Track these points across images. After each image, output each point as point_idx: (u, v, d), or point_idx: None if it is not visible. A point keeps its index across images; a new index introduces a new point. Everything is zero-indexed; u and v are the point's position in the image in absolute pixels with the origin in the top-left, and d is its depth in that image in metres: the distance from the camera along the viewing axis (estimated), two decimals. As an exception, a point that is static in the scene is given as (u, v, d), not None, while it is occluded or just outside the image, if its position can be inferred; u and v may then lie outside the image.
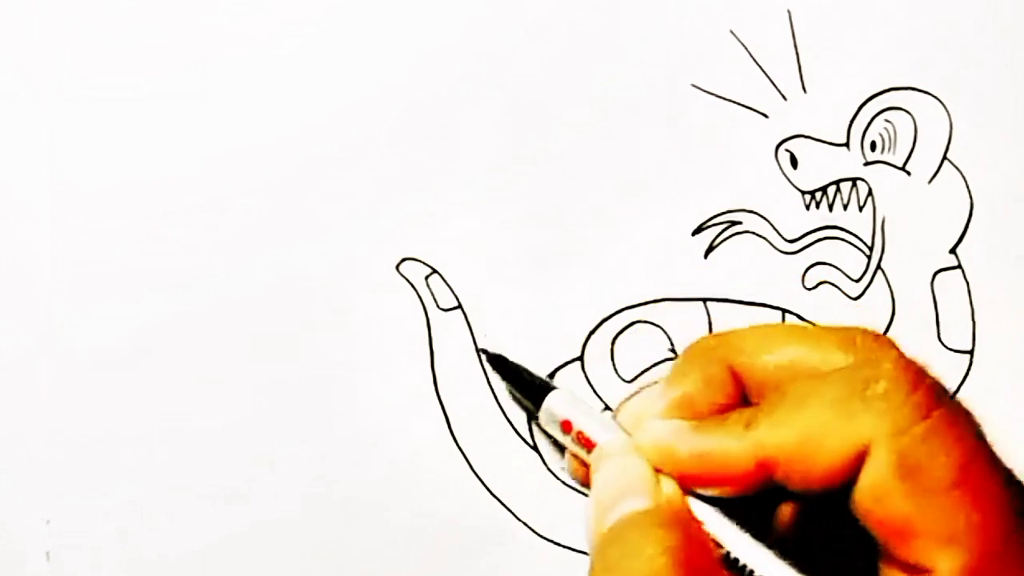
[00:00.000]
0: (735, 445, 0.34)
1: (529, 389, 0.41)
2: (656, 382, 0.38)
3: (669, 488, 0.34)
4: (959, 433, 0.32)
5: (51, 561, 0.42)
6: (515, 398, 0.43)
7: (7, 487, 0.42)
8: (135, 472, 0.42)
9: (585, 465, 0.38)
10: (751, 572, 0.33)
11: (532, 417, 0.41)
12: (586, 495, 0.43)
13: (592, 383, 0.44)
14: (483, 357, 0.43)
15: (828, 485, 0.33)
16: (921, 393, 0.33)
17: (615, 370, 0.44)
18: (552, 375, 0.44)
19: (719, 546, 0.34)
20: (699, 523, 0.34)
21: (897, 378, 0.33)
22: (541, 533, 0.43)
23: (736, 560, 0.33)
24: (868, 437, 0.32)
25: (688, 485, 0.34)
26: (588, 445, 0.38)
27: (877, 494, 0.32)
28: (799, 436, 0.33)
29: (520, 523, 0.43)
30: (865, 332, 0.35)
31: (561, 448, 0.41)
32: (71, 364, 0.42)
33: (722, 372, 0.36)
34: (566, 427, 0.39)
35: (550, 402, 0.40)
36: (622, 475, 0.35)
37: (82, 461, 0.42)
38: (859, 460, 0.32)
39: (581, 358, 0.44)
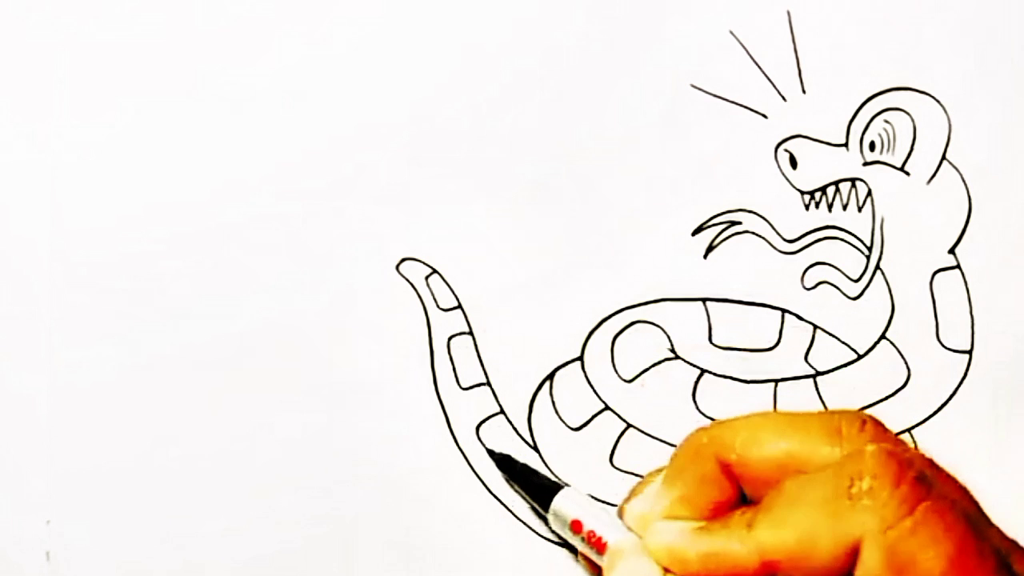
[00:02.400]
0: (739, 547, 0.35)
1: (537, 490, 0.42)
2: (653, 480, 0.40)
3: None
4: (948, 523, 0.33)
5: (51, 561, 0.42)
6: (522, 497, 0.43)
7: (7, 487, 0.42)
8: (135, 472, 0.42)
9: (593, 564, 0.40)
10: None
11: (540, 515, 0.43)
12: (593, 498, 0.43)
13: (592, 383, 0.44)
14: (492, 458, 0.43)
15: None
16: (906, 486, 0.34)
17: (615, 370, 0.44)
18: (552, 375, 0.44)
19: None
20: None
21: (880, 473, 0.34)
22: (541, 533, 0.43)
23: None
24: (857, 534, 0.33)
25: None
26: (598, 545, 0.39)
27: None
28: (795, 537, 0.34)
29: (520, 523, 0.43)
30: (850, 421, 0.36)
31: (570, 546, 0.42)
32: (71, 364, 0.42)
33: (715, 469, 0.38)
34: (576, 527, 0.40)
35: (559, 503, 0.41)
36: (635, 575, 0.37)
37: (82, 461, 0.42)
38: (852, 557, 0.33)
39: (581, 358, 0.44)
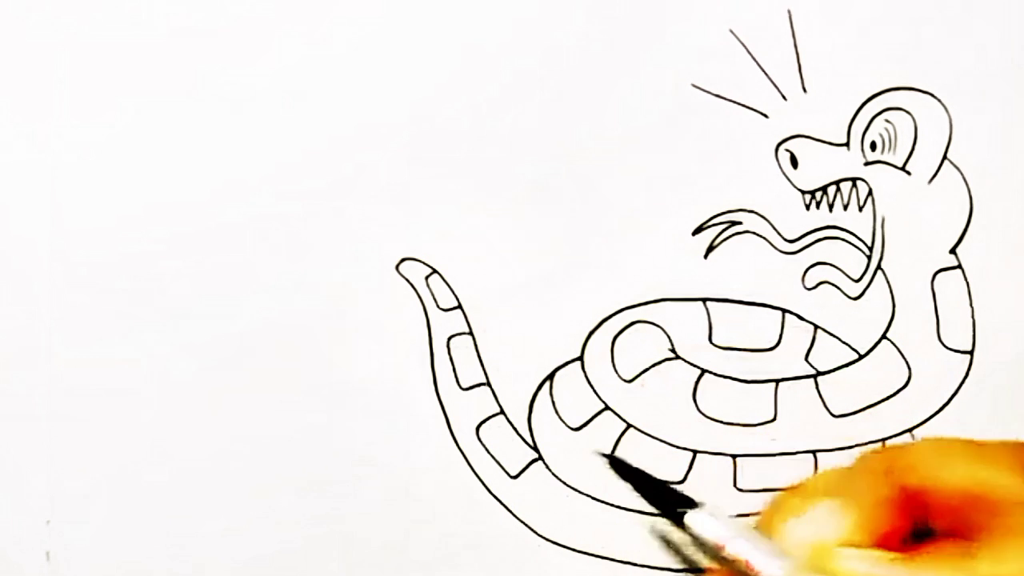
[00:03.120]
0: None
1: (659, 499, 0.39)
2: (809, 502, 0.36)
3: None
4: None
5: (51, 561, 0.42)
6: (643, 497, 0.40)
7: (7, 487, 0.42)
8: (135, 472, 0.42)
9: None
10: None
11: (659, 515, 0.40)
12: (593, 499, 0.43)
13: (592, 383, 0.44)
14: (606, 462, 0.41)
15: None
16: None
17: (615, 370, 0.44)
18: (552, 375, 0.44)
19: None
20: None
21: None
22: (541, 533, 0.43)
23: None
24: None
25: None
26: (749, 570, 0.35)
27: None
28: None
29: (520, 523, 0.43)
30: None
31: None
32: (71, 364, 0.42)
33: (898, 494, 0.36)
34: (719, 549, 0.36)
35: (695, 523, 0.37)
36: None
37: (82, 461, 0.42)
38: None
39: (581, 358, 0.44)
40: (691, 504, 0.38)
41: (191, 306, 0.43)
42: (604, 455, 0.43)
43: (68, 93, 0.42)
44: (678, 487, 0.44)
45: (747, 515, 0.44)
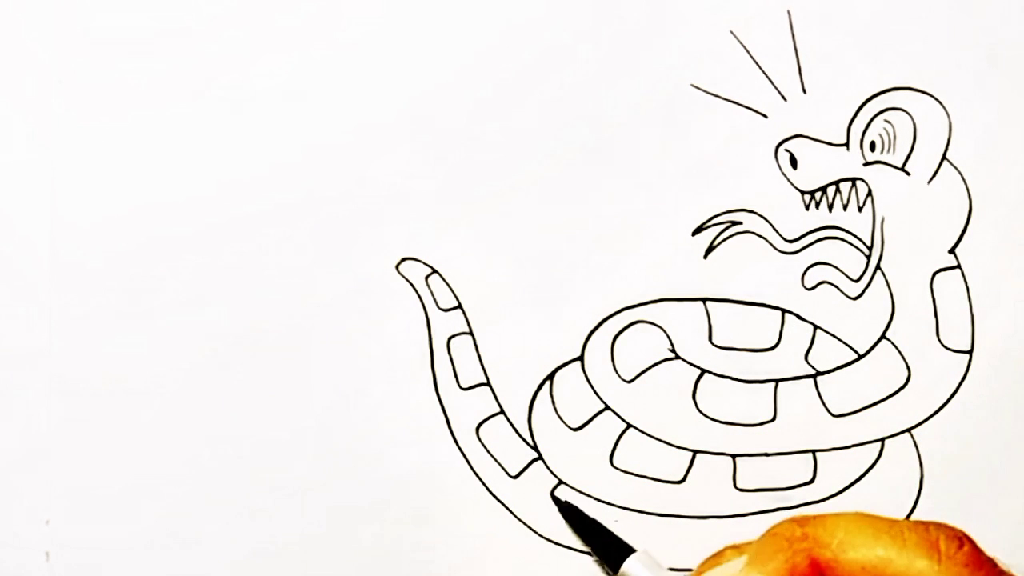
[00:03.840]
0: None
1: (602, 546, 0.43)
2: (731, 557, 0.39)
3: None
4: None
5: (51, 561, 0.42)
6: (588, 547, 0.43)
7: (7, 487, 0.42)
8: (135, 472, 0.42)
9: None
10: None
11: (605, 568, 0.43)
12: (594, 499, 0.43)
13: (592, 383, 0.44)
14: (556, 505, 0.44)
15: None
16: None
17: (615, 370, 0.44)
18: (552, 375, 0.44)
19: None
20: None
21: None
22: (541, 533, 0.43)
23: None
24: None
25: None
26: None
27: None
28: None
29: (520, 523, 0.43)
30: (949, 537, 0.37)
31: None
32: (71, 364, 0.42)
33: (805, 563, 0.37)
34: None
35: (628, 567, 0.42)
36: None
37: (82, 461, 0.42)
38: None
39: (581, 358, 0.44)
40: (630, 552, 0.42)
41: (191, 306, 0.43)
42: (558, 501, 0.43)
43: (68, 93, 0.42)
44: (677, 487, 0.44)
45: (745, 515, 0.44)
